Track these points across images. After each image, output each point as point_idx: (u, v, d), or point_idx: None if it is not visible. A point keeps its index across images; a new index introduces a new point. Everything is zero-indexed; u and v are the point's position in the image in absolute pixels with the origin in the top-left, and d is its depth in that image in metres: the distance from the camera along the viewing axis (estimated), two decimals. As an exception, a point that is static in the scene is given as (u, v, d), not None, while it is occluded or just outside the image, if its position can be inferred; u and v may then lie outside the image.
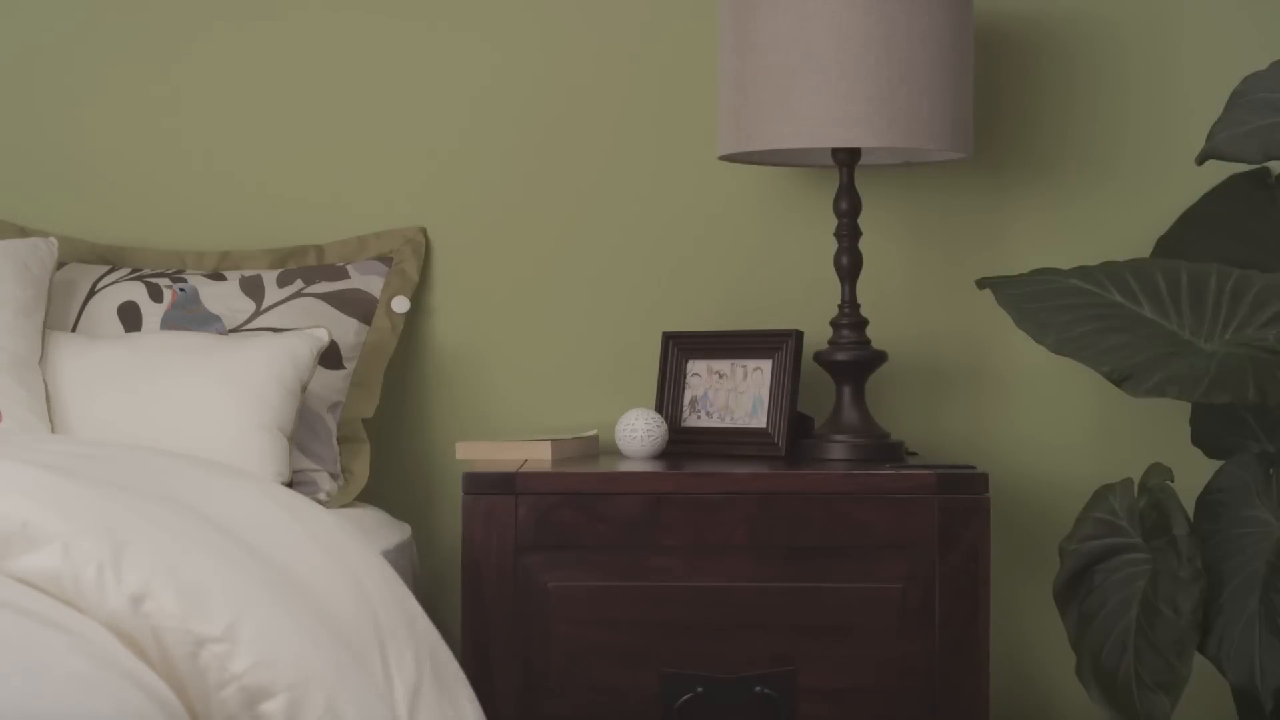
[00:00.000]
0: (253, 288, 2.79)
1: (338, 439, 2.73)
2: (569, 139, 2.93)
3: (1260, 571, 2.35)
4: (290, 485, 2.60)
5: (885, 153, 2.78)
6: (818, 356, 2.66)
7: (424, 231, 2.91)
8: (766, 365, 2.70)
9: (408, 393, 2.93)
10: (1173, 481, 2.42)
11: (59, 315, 2.73)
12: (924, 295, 2.92)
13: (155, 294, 2.76)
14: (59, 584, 1.57)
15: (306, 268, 2.84)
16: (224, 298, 2.77)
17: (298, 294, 2.78)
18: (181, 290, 2.77)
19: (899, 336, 2.92)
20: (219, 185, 2.94)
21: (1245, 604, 2.34)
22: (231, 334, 2.69)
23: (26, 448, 1.80)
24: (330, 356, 2.75)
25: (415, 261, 2.87)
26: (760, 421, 2.68)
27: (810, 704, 2.42)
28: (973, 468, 2.45)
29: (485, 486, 2.43)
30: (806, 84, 2.51)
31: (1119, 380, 2.38)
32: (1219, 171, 2.89)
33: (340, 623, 1.72)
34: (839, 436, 2.61)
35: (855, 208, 2.64)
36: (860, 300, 2.91)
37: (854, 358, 2.63)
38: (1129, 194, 2.91)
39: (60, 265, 2.82)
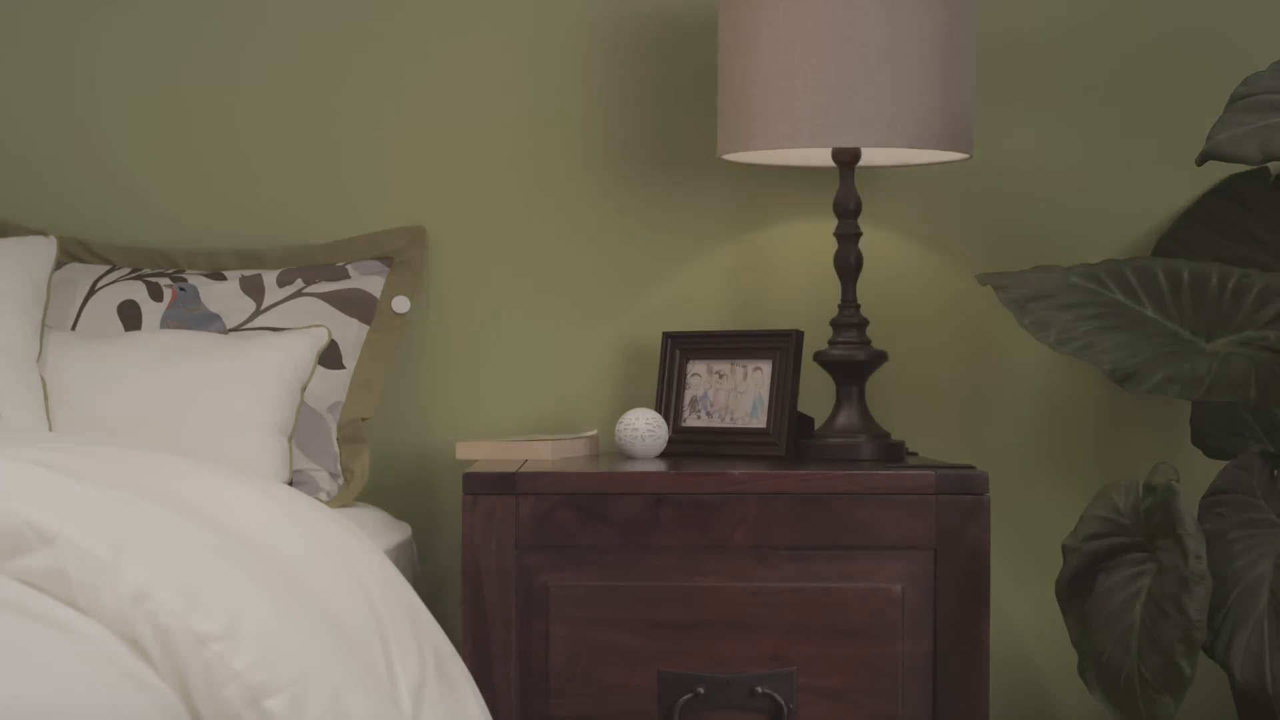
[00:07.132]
0: (253, 287, 2.78)
1: (338, 439, 2.73)
2: (569, 139, 2.93)
3: (1268, 573, 2.34)
4: (290, 485, 2.60)
5: (885, 153, 2.78)
6: (818, 356, 2.65)
7: (424, 231, 2.91)
8: (766, 365, 2.70)
9: (408, 393, 2.93)
10: (1178, 481, 2.42)
11: (59, 314, 2.73)
12: (924, 295, 2.92)
13: (155, 293, 2.76)
14: (59, 583, 1.57)
15: (307, 267, 2.83)
16: (224, 297, 2.76)
17: (298, 294, 2.78)
18: (181, 289, 2.77)
19: (899, 336, 2.92)
20: (219, 185, 2.94)
21: (1254, 605, 2.34)
22: (232, 333, 2.69)
23: (27, 446, 1.80)
24: (330, 356, 2.75)
25: (416, 261, 2.86)
26: (760, 421, 2.68)
27: (810, 704, 2.42)
28: (973, 468, 2.45)
29: (485, 486, 2.42)
30: (806, 84, 2.51)
31: (1121, 379, 2.37)
32: (1219, 171, 2.89)
33: (342, 619, 1.72)
34: (839, 437, 2.61)
35: (855, 208, 2.64)
36: (860, 300, 2.91)
37: (854, 358, 2.63)
38: (1129, 194, 2.91)
39: (60, 265, 2.82)
